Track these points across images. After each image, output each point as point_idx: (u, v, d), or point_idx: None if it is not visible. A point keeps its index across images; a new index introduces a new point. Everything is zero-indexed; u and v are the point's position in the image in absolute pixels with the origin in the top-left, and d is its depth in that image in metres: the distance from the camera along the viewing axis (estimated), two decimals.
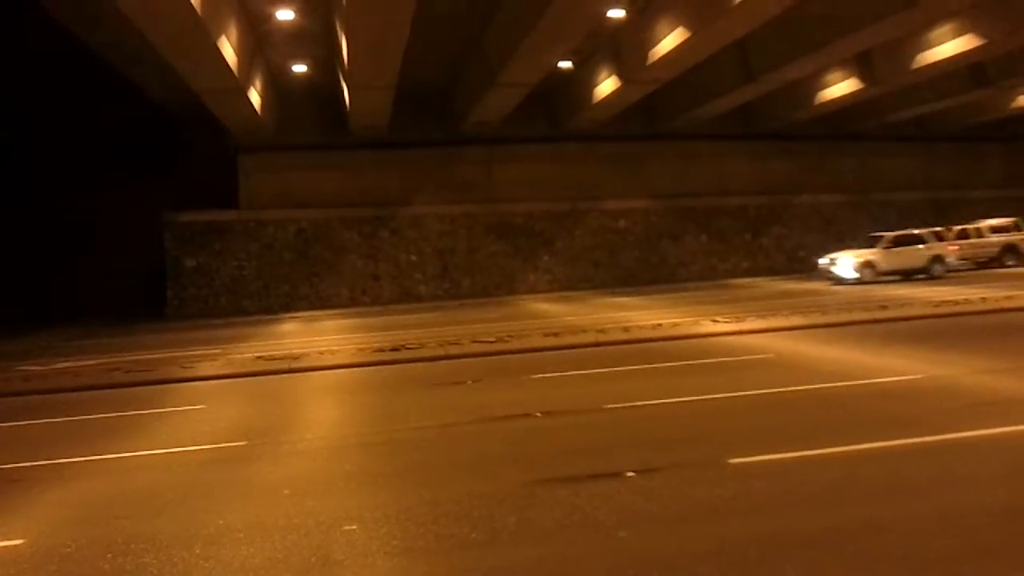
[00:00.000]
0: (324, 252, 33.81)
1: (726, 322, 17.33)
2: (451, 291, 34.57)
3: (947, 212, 39.49)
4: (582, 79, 31.24)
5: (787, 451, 7.08)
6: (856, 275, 28.00)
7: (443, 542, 5.49)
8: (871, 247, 28.97)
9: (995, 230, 32.15)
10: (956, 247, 29.94)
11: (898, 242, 28.80)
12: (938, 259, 28.70)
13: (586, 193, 36.12)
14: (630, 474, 6.74)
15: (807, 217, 38.57)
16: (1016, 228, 32.27)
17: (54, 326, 29.14)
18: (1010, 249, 31.89)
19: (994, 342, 13.01)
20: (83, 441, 9.69)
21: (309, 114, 33.39)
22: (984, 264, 31.62)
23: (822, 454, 6.97)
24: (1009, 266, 31.01)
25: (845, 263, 28.55)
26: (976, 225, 32.13)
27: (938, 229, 30.22)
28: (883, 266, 28.40)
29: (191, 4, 17.87)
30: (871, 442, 7.18)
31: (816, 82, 32.25)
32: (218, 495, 7.16)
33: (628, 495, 6.30)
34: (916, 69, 28.35)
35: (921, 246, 28.76)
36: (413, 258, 34.42)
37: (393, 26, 20.29)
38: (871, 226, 39.13)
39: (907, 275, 28.45)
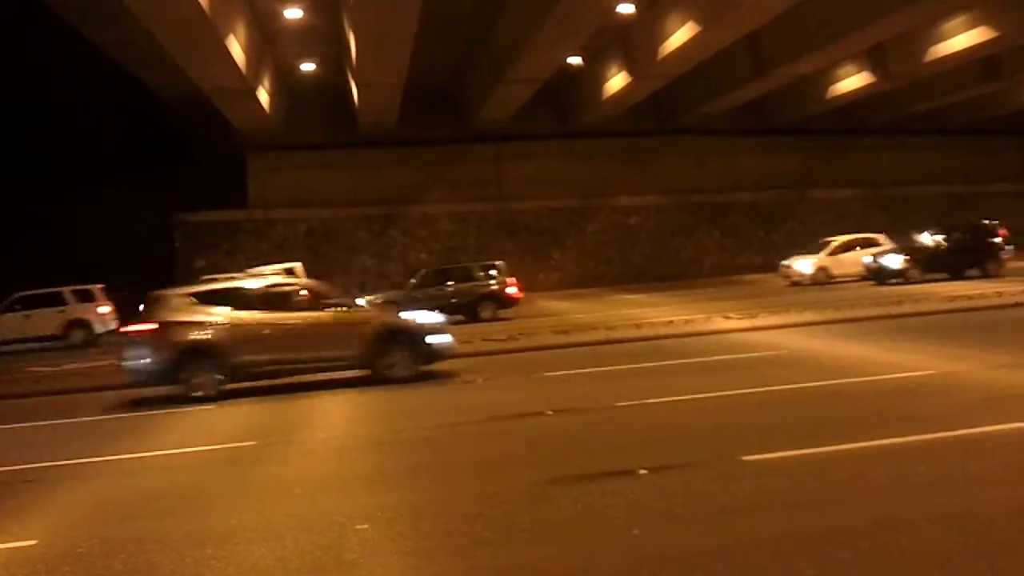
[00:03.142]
0: (334, 251, 33.79)
1: (738, 319, 17.28)
2: None
3: (965, 207, 39.26)
4: (592, 75, 31.15)
5: (801, 448, 7.02)
6: None
7: (456, 541, 5.47)
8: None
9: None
10: (109, 308, 23.81)
11: (19, 304, 22.98)
12: (80, 324, 23.29)
13: (597, 190, 35.99)
14: (643, 472, 6.70)
15: (820, 212, 38.35)
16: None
17: None
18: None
19: (1007, 337, 12.90)
20: (95, 442, 9.71)
21: (318, 112, 33.37)
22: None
23: (836, 451, 6.91)
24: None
25: None
26: None
27: (90, 287, 23.89)
28: None
29: (199, 3, 17.89)
30: (885, 439, 7.12)
31: (828, 76, 32.06)
32: (230, 495, 7.16)
33: (641, 493, 6.27)
34: (929, 62, 28.15)
35: (56, 308, 23.08)
36: (423, 256, 34.34)
37: (400, 22, 20.27)
38: (883, 221, 38.99)
39: (70, 341, 22.97)
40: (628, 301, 26.31)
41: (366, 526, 5.84)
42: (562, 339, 16.19)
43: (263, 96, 27.51)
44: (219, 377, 12.05)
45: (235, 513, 6.42)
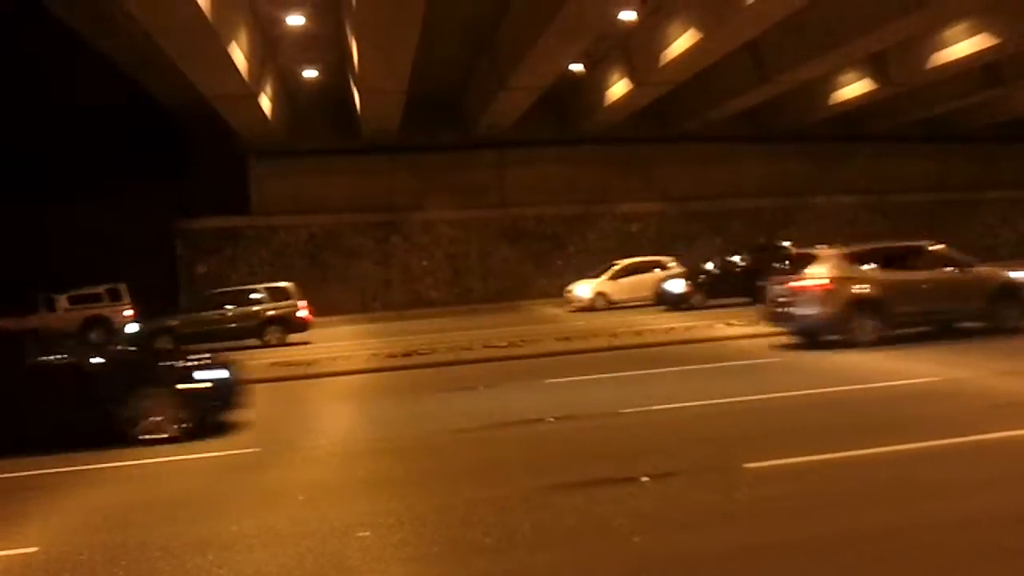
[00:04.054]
0: (335, 258, 33.81)
1: (740, 325, 17.26)
2: (463, 296, 34.51)
3: (965, 213, 39.19)
4: (594, 82, 31.17)
5: (803, 455, 7.01)
6: None
7: (457, 547, 5.46)
8: None
9: (75, 301, 26.60)
10: None
11: None
12: None
13: (598, 196, 36.01)
14: (644, 479, 6.69)
15: (821, 219, 38.31)
16: (112, 297, 26.68)
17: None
18: (97, 322, 25.98)
19: (1008, 344, 12.87)
20: (97, 447, 9.67)
21: (320, 119, 33.40)
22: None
23: (838, 458, 6.90)
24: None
25: None
26: (52, 295, 26.58)
27: None
28: None
29: (201, 9, 17.92)
30: (887, 445, 7.11)
31: (830, 83, 32.06)
32: (232, 501, 7.16)
33: (643, 500, 6.26)
34: (930, 69, 28.14)
35: None
36: (424, 263, 34.38)
37: (403, 29, 20.29)
38: (883, 227, 39.01)
39: None
40: (631, 308, 26.30)
41: (367, 533, 5.84)
42: (564, 346, 16.18)
43: (265, 102, 27.54)
44: (879, 325, 13.50)
45: (237, 519, 6.41)
